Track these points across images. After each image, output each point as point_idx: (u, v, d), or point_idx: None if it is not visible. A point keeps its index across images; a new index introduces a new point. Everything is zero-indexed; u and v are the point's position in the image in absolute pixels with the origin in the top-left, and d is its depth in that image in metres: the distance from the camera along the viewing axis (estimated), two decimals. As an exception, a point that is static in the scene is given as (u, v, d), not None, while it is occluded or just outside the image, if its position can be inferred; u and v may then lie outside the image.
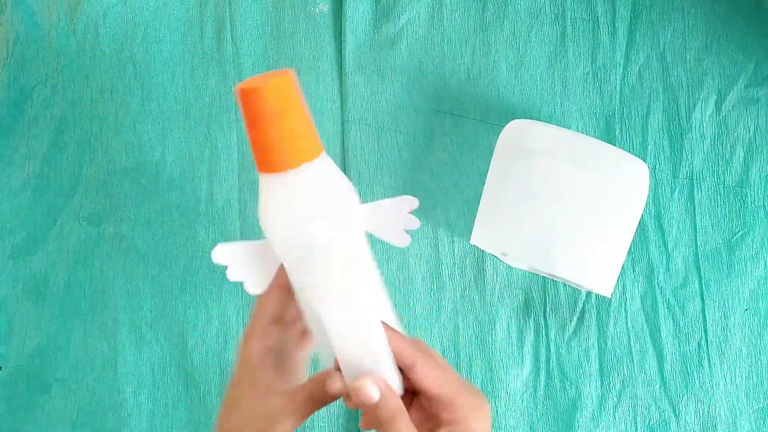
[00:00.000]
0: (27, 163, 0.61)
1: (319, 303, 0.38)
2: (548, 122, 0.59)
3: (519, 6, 0.61)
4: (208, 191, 0.60)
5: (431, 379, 0.36)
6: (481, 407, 0.37)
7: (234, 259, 0.40)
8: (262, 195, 0.37)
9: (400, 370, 0.38)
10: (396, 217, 0.40)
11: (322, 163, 0.38)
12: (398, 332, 0.38)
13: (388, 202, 0.40)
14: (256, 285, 0.41)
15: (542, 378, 0.58)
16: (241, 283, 0.41)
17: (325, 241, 0.37)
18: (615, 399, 0.57)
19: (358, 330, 0.38)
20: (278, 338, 0.41)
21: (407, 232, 0.41)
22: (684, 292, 0.58)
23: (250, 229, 0.60)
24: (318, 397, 0.38)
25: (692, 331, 0.58)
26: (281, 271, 0.41)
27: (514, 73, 0.61)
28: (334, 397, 0.38)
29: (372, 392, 0.36)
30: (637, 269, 0.59)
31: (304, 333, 0.43)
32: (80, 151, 0.61)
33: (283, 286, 0.40)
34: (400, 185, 0.60)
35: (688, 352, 0.58)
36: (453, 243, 0.59)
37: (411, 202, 0.40)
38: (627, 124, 0.60)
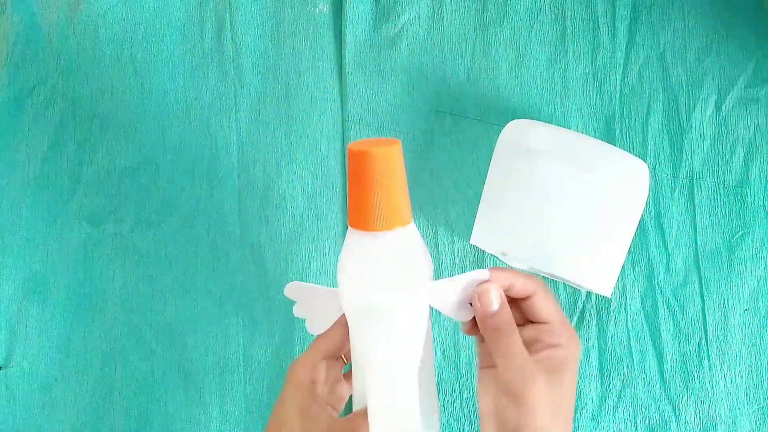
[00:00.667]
0: (27, 163, 0.61)
1: (365, 360, 0.41)
2: (548, 122, 0.59)
3: (519, 6, 0.61)
4: (208, 191, 0.60)
5: (548, 306, 0.41)
6: (576, 338, 0.41)
7: (303, 297, 0.43)
8: (345, 247, 0.40)
9: (514, 300, 0.42)
10: (465, 291, 0.42)
11: (406, 233, 0.40)
12: (514, 271, 0.42)
13: (461, 280, 0.42)
14: (316, 326, 0.44)
15: (542, 378, 0.58)
16: (302, 320, 0.45)
17: (387, 308, 0.39)
18: (615, 399, 0.57)
19: (393, 395, 0.40)
20: (329, 372, 0.44)
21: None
22: (684, 292, 0.58)
23: (249, 230, 0.60)
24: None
25: (692, 331, 0.58)
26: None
27: (514, 73, 0.61)
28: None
29: (495, 298, 0.40)
30: (637, 269, 0.59)
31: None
32: (80, 151, 0.61)
33: (345, 326, 0.43)
34: (400, 185, 0.60)
35: (688, 352, 0.58)
36: (453, 243, 0.59)
37: (482, 274, 0.42)
38: (627, 124, 0.60)
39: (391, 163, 0.38)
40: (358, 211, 0.39)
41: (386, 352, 0.40)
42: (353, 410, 0.44)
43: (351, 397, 0.45)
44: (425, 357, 0.41)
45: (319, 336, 0.45)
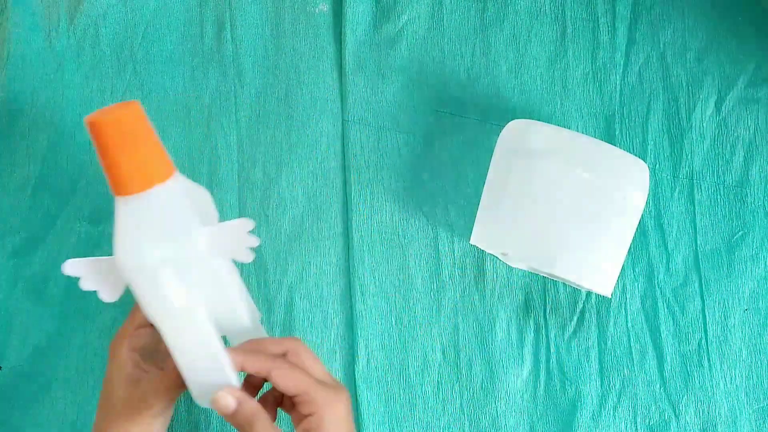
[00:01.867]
0: (27, 163, 0.61)
1: (155, 321, 0.42)
2: (548, 122, 0.59)
3: (519, 6, 0.61)
4: (208, 191, 0.60)
5: (285, 382, 0.41)
6: (335, 400, 0.42)
7: (86, 271, 0.44)
8: (115, 217, 0.42)
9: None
10: (236, 238, 0.43)
11: (163, 189, 0.41)
12: (248, 350, 0.43)
13: (226, 226, 0.43)
14: (109, 295, 0.45)
15: (542, 378, 0.58)
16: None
17: (157, 265, 0.41)
18: (615, 399, 0.57)
19: (193, 346, 0.42)
20: (148, 339, 0.47)
21: (251, 249, 0.43)
22: (684, 292, 0.58)
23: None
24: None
25: (692, 331, 0.58)
26: None
27: (514, 73, 0.61)
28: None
29: (229, 402, 0.41)
30: (637, 269, 0.59)
31: None
32: (80, 151, 0.61)
33: None
34: (400, 185, 0.60)
35: (688, 352, 0.58)
36: (453, 243, 0.59)
37: (247, 224, 0.42)
38: (627, 124, 0.60)
39: (124, 127, 0.40)
40: (110, 178, 0.41)
41: (171, 307, 0.42)
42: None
43: None
44: (224, 299, 0.43)
45: (132, 309, 0.47)
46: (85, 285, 0.45)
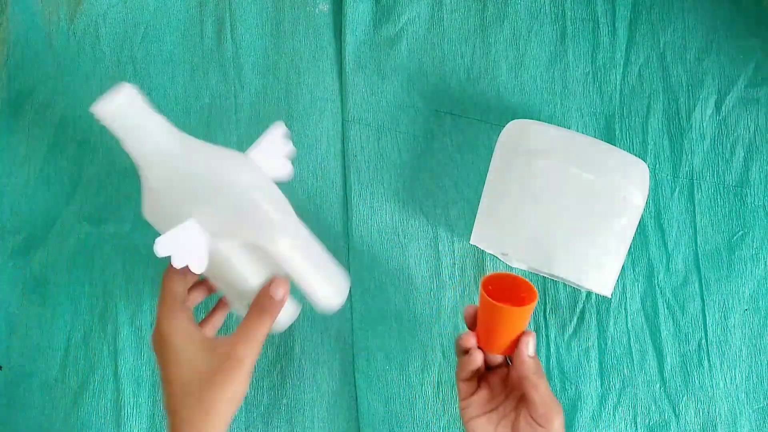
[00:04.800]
0: (27, 164, 0.61)
1: (273, 243, 0.47)
2: (548, 122, 0.59)
3: (519, 6, 0.61)
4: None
5: (539, 392, 0.48)
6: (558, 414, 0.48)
7: (173, 248, 0.45)
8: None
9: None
10: (275, 148, 0.49)
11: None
12: (531, 363, 0.48)
13: (263, 139, 0.49)
14: (198, 265, 0.46)
15: (542, 378, 0.58)
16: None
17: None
18: (615, 399, 0.57)
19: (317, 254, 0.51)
20: (190, 315, 0.48)
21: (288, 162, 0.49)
22: (684, 292, 0.58)
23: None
24: (267, 309, 0.48)
25: (692, 331, 0.58)
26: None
27: (514, 73, 0.61)
28: (281, 301, 0.48)
29: (533, 346, 0.49)
30: (637, 269, 0.59)
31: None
32: (80, 151, 0.61)
33: (181, 272, 0.48)
34: (400, 185, 0.60)
35: (688, 352, 0.58)
36: (453, 243, 0.59)
37: (280, 126, 0.49)
38: (627, 124, 0.60)
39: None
40: None
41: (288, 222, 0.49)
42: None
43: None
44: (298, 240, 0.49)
45: (165, 290, 0.48)
46: (177, 262, 0.45)
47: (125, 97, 0.45)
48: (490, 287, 0.49)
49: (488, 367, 0.53)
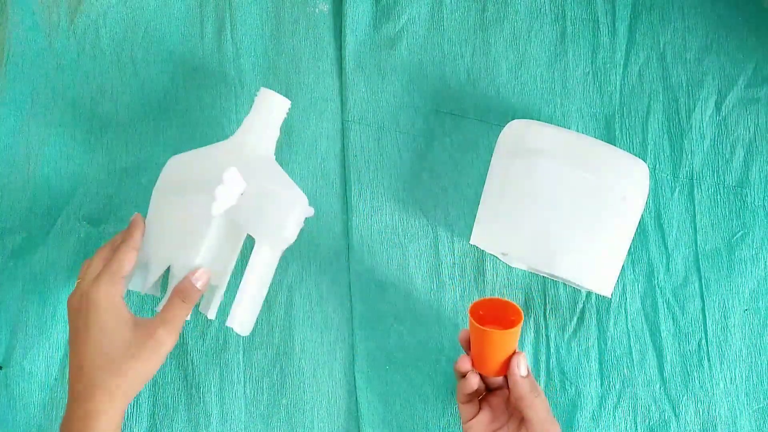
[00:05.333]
0: (27, 163, 0.61)
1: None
2: (548, 122, 0.59)
3: (519, 6, 0.61)
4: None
5: (535, 411, 0.49)
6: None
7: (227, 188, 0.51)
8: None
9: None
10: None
11: None
12: (525, 383, 0.50)
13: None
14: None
15: (542, 378, 0.58)
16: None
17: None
18: (615, 399, 0.57)
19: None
20: (123, 291, 0.50)
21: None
22: (684, 292, 0.58)
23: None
24: (189, 295, 0.50)
25: (692, 331, 0.58)
26: (137, 234, 0.53)
27: (514, 73, 0.61)
28: (201, 291, 0.50)
29: (524, 365, 0.50)
30: (637, 269, 0.59)
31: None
32: (80, 151, 0.61)
33: (137, 248, 0.52)
34: (400, 185, 0.60)
35: (688, 352, 0.58)
36: (453, 243, 0.59)
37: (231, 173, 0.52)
38: (627, 124, 0.60)
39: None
40: None
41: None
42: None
43: None
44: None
45: (118, 258, 0.50)
46: (223, 202, 0.51)
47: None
48: (480, 312, 0.51)
49: (489, 389, 0.53)
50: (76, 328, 0.49)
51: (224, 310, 0.52)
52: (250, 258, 0.51)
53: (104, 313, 0.48)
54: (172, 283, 0.52)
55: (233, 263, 0.53)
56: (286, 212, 0.51)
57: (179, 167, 0.56)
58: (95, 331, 0.48)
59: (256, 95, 0.55)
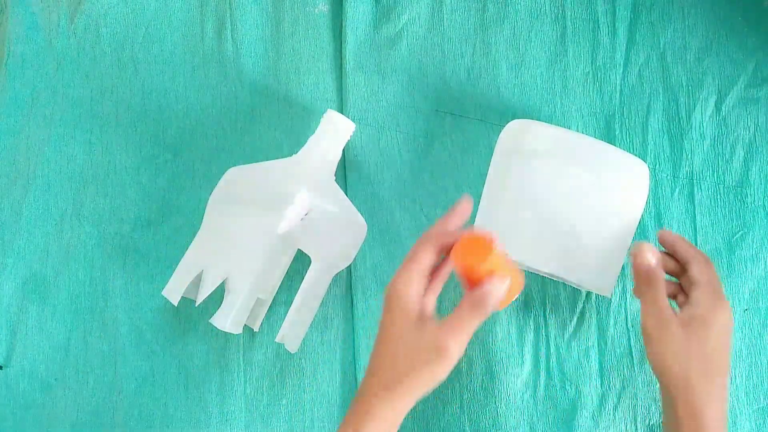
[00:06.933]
0: (27, 164, 0.61)
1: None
2: (548, 122, 0.59)
3: (519, 6, 0.61)
4: (208, 191, 0.60)
5: (701, 272, 0.48)
6: (721, 308, 0.48)
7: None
8: None
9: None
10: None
11: None
12: (680, 237, 0.51)
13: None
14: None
15: (542, 378, 0.58)
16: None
17: None
18: (615, 399, 0.57)
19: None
20: (419, 289, 0.47)
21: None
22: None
23: (250, 229, 0.60)
24: (481, 304, 0.45)
25: (692, 331, 0.58)
26: (441, 234, 0.48)
27: (514, 73, 0.61)
28: (498, 301, 0.46)
29: (650, 257, 0.48)
30: (637, 269, 0.58)
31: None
32: (80, 151, 0.61)
33: (442, 248, 0.47)
34: (400, 185, 0.60)
35: (688, 352, 0.58)
36: (453, 243, 0.59)
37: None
38: (627, 124, 0.60)
39: None
40: None
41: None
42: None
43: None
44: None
45: (416, 254, 0.47)
46: (288, 222, 0.55)
47: None
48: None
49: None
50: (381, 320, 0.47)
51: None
52: (306, 277, 0.53)
53: (390, 313, 0.46)
54: (227, 297, 0.54)
55: (281, 279, 0.56)
56: (350, 241, 0.55)
57: (240, 180, 0.57)
58: (382, 328, 0.46)
59: (323, 117, 0.56)
